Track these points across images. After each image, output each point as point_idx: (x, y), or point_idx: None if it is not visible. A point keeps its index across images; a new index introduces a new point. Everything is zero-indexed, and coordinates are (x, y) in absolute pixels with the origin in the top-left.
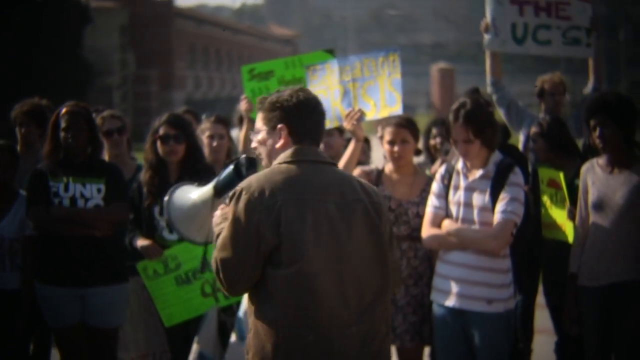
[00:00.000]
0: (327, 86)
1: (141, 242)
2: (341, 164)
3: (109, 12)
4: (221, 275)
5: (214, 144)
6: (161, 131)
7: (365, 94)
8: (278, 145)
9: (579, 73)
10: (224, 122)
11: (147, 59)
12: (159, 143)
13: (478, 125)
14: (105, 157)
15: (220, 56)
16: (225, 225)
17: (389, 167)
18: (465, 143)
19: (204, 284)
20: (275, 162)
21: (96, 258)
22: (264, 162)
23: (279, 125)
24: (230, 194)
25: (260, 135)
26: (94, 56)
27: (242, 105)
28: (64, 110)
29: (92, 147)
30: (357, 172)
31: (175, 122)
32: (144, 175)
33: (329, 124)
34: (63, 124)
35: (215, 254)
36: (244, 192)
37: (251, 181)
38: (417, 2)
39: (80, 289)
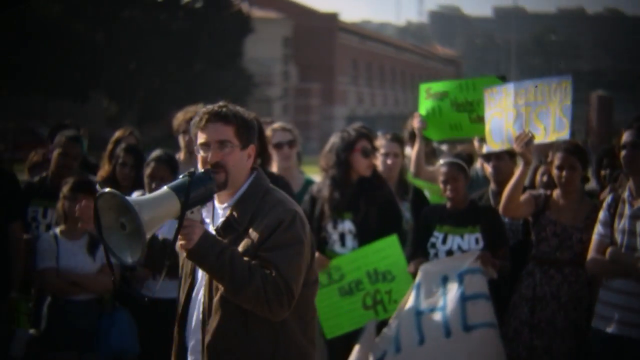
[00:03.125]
0: (502, 109)
1: None
2: (509, 186)
3: (272, 23)
4: (289, 296)
5: (389, 161)
6: (360, 146)
7: (536, 118)
8: (249, 164)
9: None
10: (400, 140)
11: (309, 72)
12: (359, 158)
13: None
14: (273, 169)
15: (384, 73)
16: (294, 249)
17: (556, 192)
18: (632, 148)
19: (365, 296)
20: (252, 182)
21: None
22: (224, 176)
23: (252, 145)
24: (285, 220)
25: (232, 148)
26: (254, 66)
27: (415, 123)
28: None
29: (261, 159)
30: (525, 196)
31: (370, 136)
32: (322, 191)
33: (501, 145)
34: None
35: (287, 277)
36: (298, 216)
37: (293, 205)
38: (577, 28)
39: None
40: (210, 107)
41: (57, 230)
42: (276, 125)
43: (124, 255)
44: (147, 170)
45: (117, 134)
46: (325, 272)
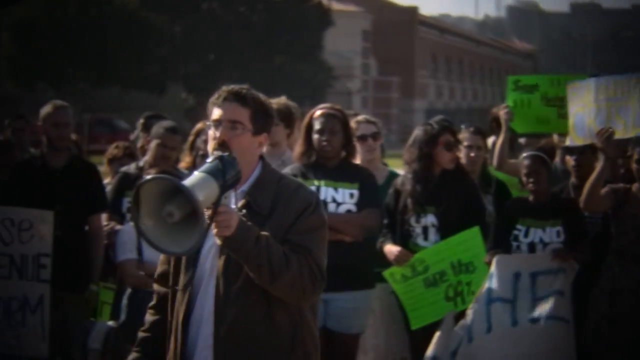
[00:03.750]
0: (584, 104)
1: (390, 248)
2: (591, 180)
3: (352, 16)
4: (322, 281)
5: (472, 154)
6: (443, 139)
7: (616, 114)
8: (258, 152)
9: None
10: (483, 133)
11: (389, 66)
12: (442, 151)
13: None
14: (357, 161)
15: (463, 67)
16: (322, 232)
17: (635, 186)
18: None
19: (448, 288)
20: (263, 167)
21: (343, 263)
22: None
23: (265, 134)
24: (312, 203)
25: (243, 131)
26: (334, 59)
27: (502, 115)
28: (318, 112)
29: (346, 151)
30: (605, 189)
31: (453, 130)
32: (405, 184)
33: (584, 140)
34: (317, 126)
35: (319, 260)
36: (320, 199)
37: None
38: None
39: (324, 293)
40: (232, 86)
41: None
42: (360, 117)
43: (169, 246)
44: None
45: (198, 125)
46: (409, 264)
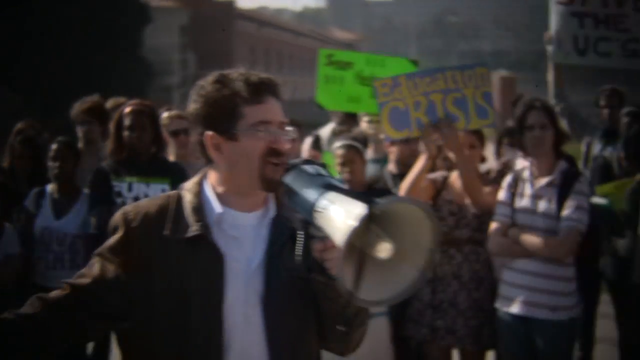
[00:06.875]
0: (402, 97)
1: None
2: (412, 174)
3: (169, 12)
4: None
5: None
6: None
7: (451, 105)
8: None
9: (638, 84)
10: (299, 125)
11: (208, 60)
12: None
13: (554, 114)
14: (170, 157)
15: (282, 59)
16: None
17: (453, 174)
18: (541, 129)
19: None
20: None
21: None
22: None
23: None
24: None
25: None
26: (153, 56)
27: None
28: (127, 109)
29: (156, 146)
30: (425, 183)
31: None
32: None
33: (408, 133)
34: (127, 123)
35: None
36: None
37: None
38: (477, 9)
39: None
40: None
41: None
42: (172, 112)
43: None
44: (51, 154)
45: (19, 126)
46: None
